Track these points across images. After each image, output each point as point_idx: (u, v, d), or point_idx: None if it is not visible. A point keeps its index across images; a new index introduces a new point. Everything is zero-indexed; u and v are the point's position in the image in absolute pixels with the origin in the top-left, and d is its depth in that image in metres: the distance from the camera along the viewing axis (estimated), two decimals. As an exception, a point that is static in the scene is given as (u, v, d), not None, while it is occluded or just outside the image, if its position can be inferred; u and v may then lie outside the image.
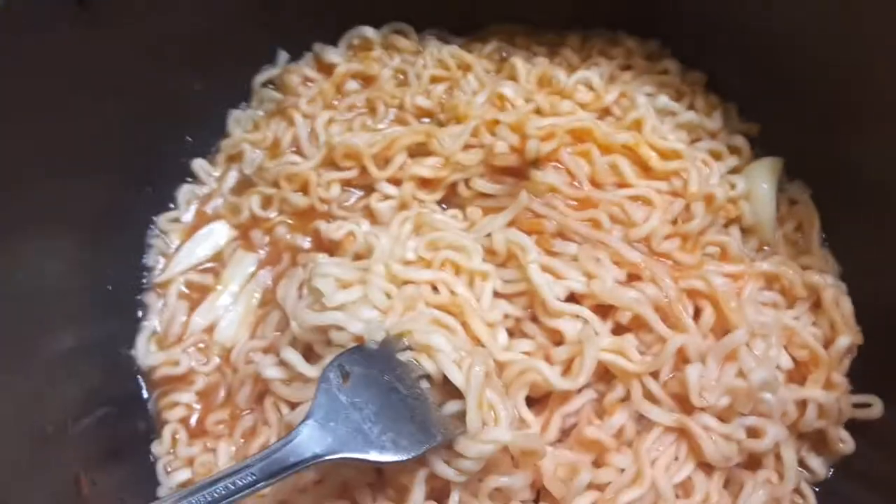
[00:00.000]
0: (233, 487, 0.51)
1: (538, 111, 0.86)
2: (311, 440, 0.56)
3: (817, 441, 0.77)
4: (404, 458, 0.58)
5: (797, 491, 0.75)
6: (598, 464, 0.69)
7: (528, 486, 0.68)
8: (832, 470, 0.77)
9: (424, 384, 0.65)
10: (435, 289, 0.74)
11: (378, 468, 0.65)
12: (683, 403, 0.70)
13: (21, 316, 0.67)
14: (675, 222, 0.78)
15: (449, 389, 0.65)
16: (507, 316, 0.74)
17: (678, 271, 0.75)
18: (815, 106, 0.85)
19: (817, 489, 0.76)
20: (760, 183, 0.86)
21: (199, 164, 0.91)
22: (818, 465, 0.76)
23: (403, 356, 0.65)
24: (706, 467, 0.70)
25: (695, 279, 0.73)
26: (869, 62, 0.78)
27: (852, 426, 0.76)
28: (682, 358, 0.70)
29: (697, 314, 0.73)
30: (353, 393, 0.60)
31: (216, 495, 0.50)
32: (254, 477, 0.52)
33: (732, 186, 0.84)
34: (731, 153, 0.89)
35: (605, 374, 0.73)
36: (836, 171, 0.85)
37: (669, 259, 0.77)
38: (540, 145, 0.80)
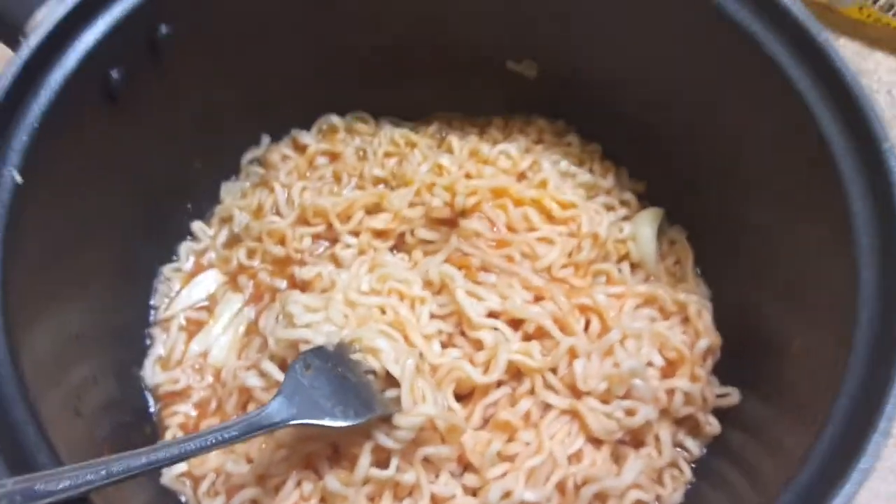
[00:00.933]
0: (219, 439, 0.69)
1: (468, 175, 1.09)
2: (279, 410, 0.75)
3: (692, 426, 0.96)
4: (352, 423, 0.77)
5: (676, 466, 0.93)
6: (509, 440, 0.87)
7: (455, 459, 0.86)
8: (706, 450, 0.95)
9: (370, 377, 0.84)
10: (383, 312, 0.95)
11: (334, 443, 0.83)
12: (575, 392, 0.89)
13: (55, 351, 0.85)
14: (570, 255, 1.00)
15: (390, 382, 0.85)
16: (440, 332, 0.95)
17: (572, 292, 0.96)
18: (690, 166, 1.08)
19: (694, 465, 0.94)
20: (644, 227, 1.08)
21: (197, 225, 1.13)
22: (693, 445, 0.94)
23: (355, 356, 0.85)
24: (595, 442, 0.89)
25: (584, 297, 0.95)
26: (735, 130, 1.00)
27: (721, 414, 0.96)
28: (573, 356, 0.90)
29: (587, 326, 0.94)
30: (313, 379, 0.79)
31: (207, 443, 0.68)
32: (235, 433, 0.71)
33: (621, 230, 1.06)
34: (622, 206, 1.12)
35: (516, 374, 0.92)
36: (709, 216, 1.08)
37: (566, 283, 0.98)
38: (466, 200, 1.02)
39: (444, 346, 0.94)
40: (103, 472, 0.59)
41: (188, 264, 1.10)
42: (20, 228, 0.77)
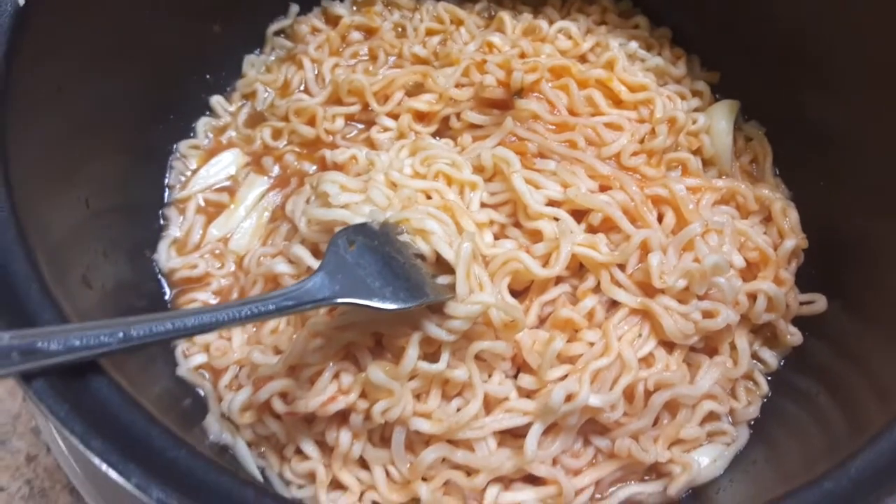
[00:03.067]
0: (255, 311, 0.59)
1: (522, 55, 0.97)
2: (321, 286, 0.64)
3: (769, 336, 0.86)
4: (402, 306, 0.67)
5: (751, 379, 0.84)
6: (570, 340, 0.77)
7: (510, 358, 0.77)
8: (783, 362, 0.86)
9: (419, 261, 0.74)
10: (429, 197, 0.84)
11: (376, 333, 0.73)
12: (647, 290, 0.79)
13: (63, 219, 0.75)
14: (642, 142, 0.88)
15: (441, 268, 0.75)
16: (492, 222, 0.84)
17: (644, 182, 0.85)
18: (769, 56, 0.96)
19: (769, 378, 0.85)
20: (719, 120, 0.96)
21: (216, 100, 1.00)
22: (770, 356, 0.85)
23: (402, 237, 0.74)
24: (668, 345, 0.79)
25: (658, 187, 0.83)
26: (816, 15, 0.89)
27: (801, 324, 0.86)
28: (646, 251, 0.79)
29: (660, 219, 0.83)
30: (357, 255, 0.68)
31: (242, 314, 0.58)
32: (272, 307, 0.60)
33: (694, 121, 0.94)
34: (694, 96, 1.00)
35: (578, 271, 0.82)
36: (787, 114, 0.96)
37: (637, 173, 0.86)
38: (524, 77, 0.89)
39: (495, 237, 0.84)
40: (120, 335, 0.49)
41: (206, 142, 0.98)
42: (28, 92, 0.66)
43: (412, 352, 0.71)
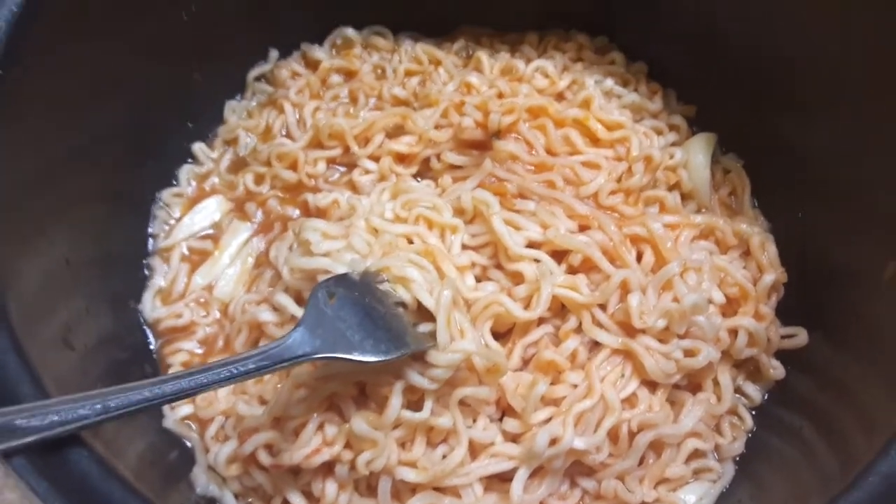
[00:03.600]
0: (234, 372, 0.60)
1: (500, 95, 0.98)
2: (301, 342, 0.65)
3: (752, 370, 0.86)
4: (383, 358, 0.67)
5: (736, 413, 0.84)
6: (553, 383, 0.78)
7: (494, 402, 0.77)
8: (766, 396, 0.86)
9: (400, 310, 0.74)
10: (410, 241, 0.85)
11: (359, 383, 0.74)
12: (628, 330, 0.80)
13: (44, 278, 0.75)
14: (619, 181, 0.89)
15: (422, 315, 0.75)
16: (474, 264, 0.84)
17: (622, 221, 0.86)
18: (745, 88, 0.97)
19: (754, 413, 0.85)
20: (696, 154, 0.97)
21: (198, 147, 1.01)
22: (753, 391, 0.85)
23: (382, 286, 0.75)
24: (650, 385, 0.79)
25: (636, 226, 0.84)
26: (791, 46, 0.90)
27: (784, 357, 0.86)
28: (626, 291, 0.80)
29: (640, 258, 0.84)
30: (338, 308, 0.69)
31: (220, 376, 0.59)
32: (252, 366, 0.61)
33: (671, 156, 0.95)
34: (671, 130, 1.01)
35: (559, 311, 0.82)
36: (764, 144, 0.97)
37: (615, 211, 0.87)
38: (501, 118, 0.91)
39: (476, 279, 0.84)
40: (98, 407, 0.49)
41: (189, 189, 0.99)
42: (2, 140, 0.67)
43: (395, 401, 0.71)
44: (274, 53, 1.07)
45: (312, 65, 1.08)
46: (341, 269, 0.77)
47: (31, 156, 0.74)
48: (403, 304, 0.75)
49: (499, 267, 0.85)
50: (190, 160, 1.01)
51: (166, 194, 0.97)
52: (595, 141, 0.93)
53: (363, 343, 0.67)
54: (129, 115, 0.90)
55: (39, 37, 0.72)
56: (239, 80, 1.06)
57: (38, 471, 0.45)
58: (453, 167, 0.95)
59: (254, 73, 1.06)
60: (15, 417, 0.46)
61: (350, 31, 1.09)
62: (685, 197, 0.96)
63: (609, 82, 1.01)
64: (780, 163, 0.96)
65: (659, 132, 0.99)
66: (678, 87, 1.06)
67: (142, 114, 0.92)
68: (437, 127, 0.96)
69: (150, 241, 0.94)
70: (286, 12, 1.04)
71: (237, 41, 1.02)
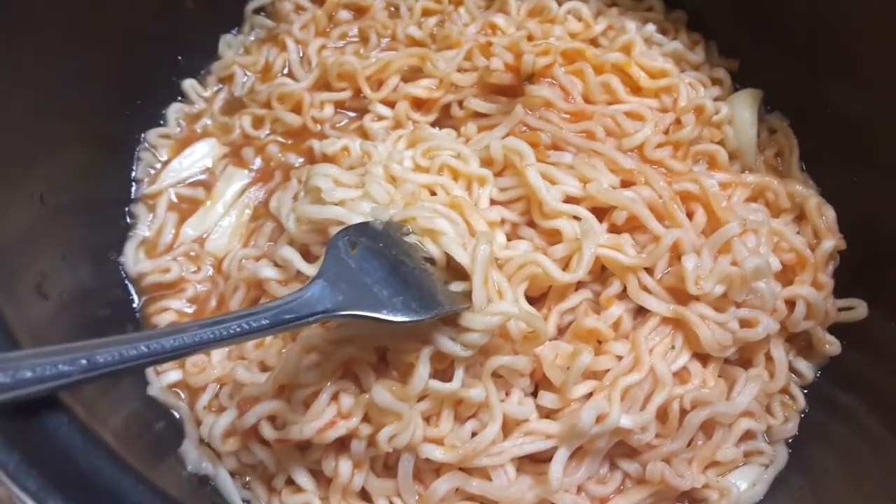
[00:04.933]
0: (245, 328, 0.50)
1: (530, 37, 0.88)
2: (321, 297, 0.55)
3: (805, 346, 0.79)
4: (415, 318, 0.58)
5: (787, 392, 0.77)
6: (595, 353, 0.69)
7: (528, 375, 0.68)
8: (819, 373, 0.79)
9: (429, 266, 0.65)
10: (433, 193, 0.75)
11: (380, 348, 0.64)
12: (679, 296, 0.71)
13: (19, 222, 0.64)
14: (666, 132, 0.80)
15: (452, 273, 0.66)
16: (504, 221, 0.75)
17: (670, 177, 0.77)
18: (791, 43, 0.89)
19: (805, 391, 0.78)
20: (742, 110, 0.89)
21: (189, 84, 0.90)
22: (806, 368, 0.78)
23: (408, 239, 0.65)
24: (702, 358, 0.71)
25: (687, 182, 0.75)
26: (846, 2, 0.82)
27: (837, 333, 0.79)
28: (677, 253, 0.71)
29: (690, 217, 0.75)
30: (361, 260, 0.59)
31: (230, 332, 0.49)
32: (266, 322, 0.51)
33: (717, 111, 0.87)
34: (713, 84, 0.92)
35: (601, 274, 0.74)
36: (811, 103, 0.89)
37: (662, 166, 0.78)
38: (536, 60, 0.81)
39: (508, 238, 0.75)
40: (83, 363, 0.39)
41: (178, 130, 0.88)
42: None
43: (423, 369, 0.62)
44: (275, -16, 0.96)
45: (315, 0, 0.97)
46: (358, 220, 0.67)
47: (9, 89, 0.63)
48: (432, 260, 0.65)
49: (531, 224, 0.75)
50: (180, 98, 0.90)
51: (152, 135, 0.86)
52: (637, 90, 0.84)
53: (392, 300, 0.57)
54: (113, 46, 0.79)
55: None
56: (236, 12, 0.95)
57: (8, 439, 0.35)
58: (478, 115, 0.85)
59: (253, 4, 0.95)
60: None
61: (361, -36, 0.98)
62: (730, 157, 0.86)
63: (650, 28, 0.92)
64: (831, 125, 0.88)
65: (702, 85, 0.90)
66: (720, 40, 0.97)
67: (128, 45, 0.81)
68: (459, 70, 0.86)
69: (134, 186, 0.83)
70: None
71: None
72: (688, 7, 0.98)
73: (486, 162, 0.78)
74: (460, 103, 0.85)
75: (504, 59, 0.83)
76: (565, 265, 0.72)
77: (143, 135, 0.86)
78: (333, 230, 0.68)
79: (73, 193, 0.73)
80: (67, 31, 0.72)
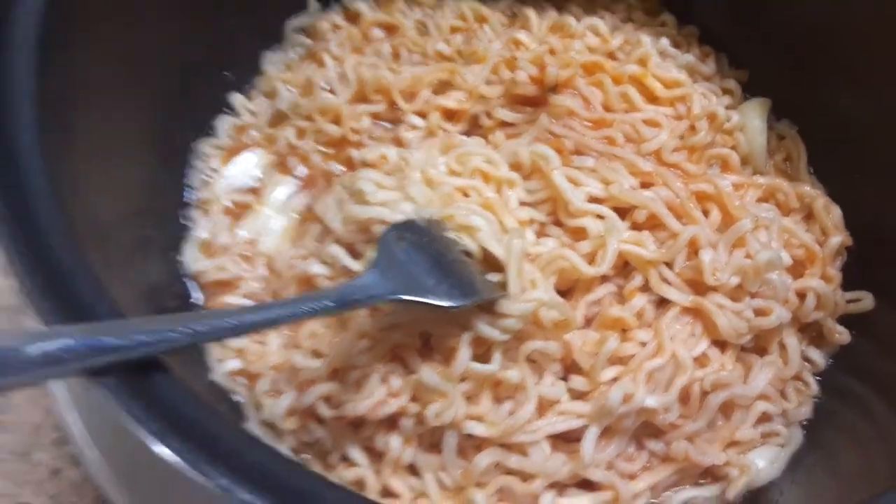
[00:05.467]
0: (315, 308, 0.55)
1: (552, 51, 0.95)
2: (374, 284, 0.61)
3: (816, 336, 0.84)
4: (459, 303, 0.64)
5: (801, 379, 0.82)
6: (621, 341, 0.75)
7: (559, 360, 0.74)
8: (831, 361, 0.84)
9: (467, 258, 0.71)
10: (466, 195, 0.81)
11: (424, 334, 0.70)
12: (697, 287, 0.77)
13: (88, 220, 0.70)
14: (681, 138, 0.86)
15: (488, 266, 0.72)
16: (532, 220, 0.81)
17: (687, 178, 0.83)
18: (798, 53, 0.95)
19: (818, 378, 0.83)
20: (752, 118, 0.95)
21: (237, 99, 0.97)
22: (817, 356, 0.83)
23: (449, 235, 0.71)
24: (720, 345, 0.76)
25: (702, 183, 0.81)
26: (846, 8, 0.89)
27: (846, 323, 0.84)
28: (694, 248, 0.77)
29: (705, 215, 0.81)
30: (407, 253, 0.65)
31: (302, 310, 0.55)
32: (331, 304, 0.57)
33: (728, 119, 0.93)
34: (724, 94, 0.98)
35: (623, 269, 0.79)
36: (819, 110, 0.95)
37: (678, 169, 0.84)
38: (559, 72, 0.88)
39: (536, 236, 0.81)
40: (189, 329, 0.45)
41: (228, 141, 0.94)
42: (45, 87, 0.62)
43: (464, 352, 0.67)
44: (315, 5, 1.03)
45: (353, 18, 1.04)
46: (399, 217, 0.73)
47: (71, 100, 0.70)
48: (469, 254, 0.71)
49: (558, 224, 0.81)
50: (226, 110, 0.97)
51: (205, 144, 0.92)
52: (653, 99, 0.90)
53: (437, 287, 0.64)
54: (166, 68, 0.86)
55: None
56: (275, 31, 1.02)
57: (133, 390, 0.41)
58: (505, 124, 0.91)
59: (293, 23, 1.02)
60: (102, 335, 0.42)
61: (394, -14, 1.05)
62: (742, 161, 0.93)
63: (664, 42, 0.98)
64: (835, 130, 0.93)
65: (714, 95, 0.96)
66: (730, 52, 1.03)
67: (181, 62, 0.88)
68: (486, 83, 0.93)
69: (188, 192, 0.90)
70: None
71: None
72: (699, 22, 1.05)
73: (515, 167, 0.84)
74: (488, 114, 0.92)
75: (529, 72, 0.89)
76: (591, 260, 0.78)
77: (196, 144, 0.92)
78: (376, 229, 0.75)
79: (138, 201, 0.80)
80: (129, 59, 0.79)
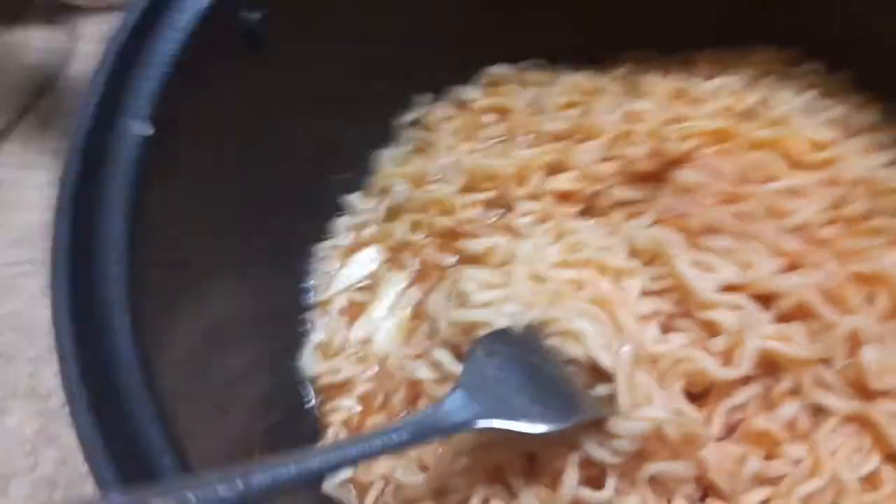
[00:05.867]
0: (386, 443, 0.52)
1: (674, 120, 0.86)
2: (460, 408, 0.56)
3: None
4: (552, 428, 0.57)
5: None
6: (769, 456, 0.63)
7: (693, 479, 0.64)
8: None
9: (572, 369, 0.64)
10: (580, 288, 0.75)
11: (528, 452, 0.64)
12: (863, 391, 0.64)
13: (206, 342, 0.72)
14: (834, 208, 0.74)
15: (597, 375, 0.65)
16: (657, 312, 0.73)
17: (843, 257, 0.70)
18: None
19: None
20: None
21: (352, 198, 0.98)
22: None
23: (550, 342, 0.65)
24: (894, 461, 0.62)
25: (863, 261, 0.68)
26: None
27: None
28: (857, 343, 0.65)
29: (869, 301, 0.68)
30: (499, 368, 0.60)
31: (370, 448, 0.51)
32: (404, 437, 0.53)
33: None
34: (894, 146, 0.84)
35: (770, 368, 0.68)
36: None
37: (832, 246, 0.72)
38: (679, 145, 0.79)
39: (663, 330, 0.72)
40: (240, 486, 0.44)
41: (346, 240, 0.96)
42: (149, 203, 0.65)
43: (570, 476, 0.61)
44: (426, 98, 1.03)
45: (464, 106, 1.03)
46: (502, 321, 0.69)
47: (187, 213, 0.73)
48: (576, 362, 0.65)
49: (687, 314, 0.72)
50: (343, 211, 0.98)
51: (324, 246, 0.94)
52: (797, 164, 0.79)
53: (530, 409, 0.58)
54: (280, 166, 0.88)
55: (195, 97, 0.71)
56: (386, 130, 1.03)
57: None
58: (624, 203, 0.84)
59: (405, 118, 1.03)
60: (148, 498, 0.41)
61: (503, 68, 1.03)
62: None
63: (809, 94, 0.86)
64: None
65: (878, 149, 0.82)
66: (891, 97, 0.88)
67: (294, 166, 0.90)
68: (602, 160, 0.86)
69: (307, 294, 0.92)
70: (433, 56, 1.00)
71: (386, 89, 0.99)
72: (855, 65, 0.91)
73: (635, 252, 0.77)
74: (605, 192, 0.85)
75: (646, 146, 0.82)
76: (727, 359, 0.67)
77: (313, 247, 0.95)
78: (480, 331, 0.71)
79: (252, 307, 0.82)
80: (237, 155, 0.81)
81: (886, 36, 0.86)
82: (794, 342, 0.65)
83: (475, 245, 0.86)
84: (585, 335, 0.64)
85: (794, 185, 0.76)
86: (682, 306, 0.72)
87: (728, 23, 0.96)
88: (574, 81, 0.99)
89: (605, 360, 0.62)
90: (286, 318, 0.89)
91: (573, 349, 0.64)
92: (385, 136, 1.03)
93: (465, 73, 1.04)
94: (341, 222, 0.97)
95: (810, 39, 0.93)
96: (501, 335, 0.64)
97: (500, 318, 0.69)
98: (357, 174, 1.00)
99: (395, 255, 0.93)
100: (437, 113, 1.03)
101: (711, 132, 0.82)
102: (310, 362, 0.86)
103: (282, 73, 0.83)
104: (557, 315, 0.67)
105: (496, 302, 0.72)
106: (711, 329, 0.69)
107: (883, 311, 0.66)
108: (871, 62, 0.89)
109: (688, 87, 0.91)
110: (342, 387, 0.84)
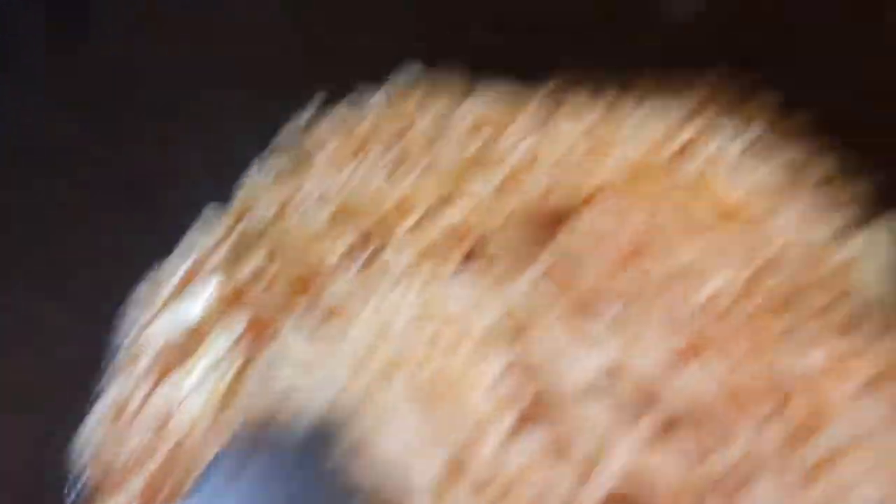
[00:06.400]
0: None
1: (583, 158, 0.71)
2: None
3: None
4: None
5: None
6: None
7: None
8: None
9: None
10: (423, 360, 0.58)
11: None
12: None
13: None
14: (755, 279, 0.57)
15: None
16: (514, 399, 0.56)
17: (757, 345, 0.53)
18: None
19: None
20: (877, 247, 0.63)
21: (208, 213, 0.82)
22: None
23: (337, 451, 0.48)
24: None
25: (781, 356, 0.52)
26: None
27: None
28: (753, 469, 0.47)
29: (783, 406, 0.51)
30: (247, 491, 0.44)
31: None
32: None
33: (842, 246, 0.61)
34: (844, 206, 0.67)
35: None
36: None
37: (746, 329, 0.55)
38: (580, 189, 0.64)
39: (521, 421, 0.55)
40: None
41: (186, 264, 0.79)
42: None
43: None
44: (315, 102, 0.87)
45: (356, 119, 0.88)
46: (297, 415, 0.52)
47: None
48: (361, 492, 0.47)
49: (548, 408, 0.55)
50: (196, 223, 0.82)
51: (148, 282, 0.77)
52: (725, 216, 0.62)
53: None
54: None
55: None
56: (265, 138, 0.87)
57: None
58: (512, 249, 0.68)
59: (288, 126, 0.87)
60: None
61: (414, 73, 0.87)
62: (860, 314, 0.60)
63: (749, 135, 0.70)
64: None
65: (823, 209, 0.65)
66: (857, 146, 0.72)
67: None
68: (497, 196, 0.72)
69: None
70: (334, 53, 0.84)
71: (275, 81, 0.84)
72: (815, 105, 0.74)
73: (504, 317, 0.60)
74: (489, 239, 0.69)
75: (543, 188, 0.66)
76: (586, 477, 0.50)
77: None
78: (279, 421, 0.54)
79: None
80: None
81: (852, 77, 0.70)
82: (669, 462, 0.48)
83: (328, 296, 0.70)
84: (384, 446, 0.47)
85: (707, 246, 0.59)
86: (545, 396, 0.56)
87: (680, 40, 0.81)
88: (488, 99, 0.84)
89: (413, 481, 0.45)
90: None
91: (360, 472, 0.47)
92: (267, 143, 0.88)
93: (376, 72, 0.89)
94: (188, 239, 0.81)
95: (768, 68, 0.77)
96: (267, 440, 0.47)
97: (312, 405, 0.53)
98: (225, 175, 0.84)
99: (235, 295, 0.76)
100: (323, 123, 0.87)
101: (623, 174, 0.66)
102: (87, 437, 0.68)
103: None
104: (369, 404, 0.50)
105: (304, 387, 0.56)
106: (574, 428, 0.52)
107: (795, 422, 0.49)
108: (832, 104, 0.73)
109: (609, 118, 0.75)
110: (124, 472, 0.66)
